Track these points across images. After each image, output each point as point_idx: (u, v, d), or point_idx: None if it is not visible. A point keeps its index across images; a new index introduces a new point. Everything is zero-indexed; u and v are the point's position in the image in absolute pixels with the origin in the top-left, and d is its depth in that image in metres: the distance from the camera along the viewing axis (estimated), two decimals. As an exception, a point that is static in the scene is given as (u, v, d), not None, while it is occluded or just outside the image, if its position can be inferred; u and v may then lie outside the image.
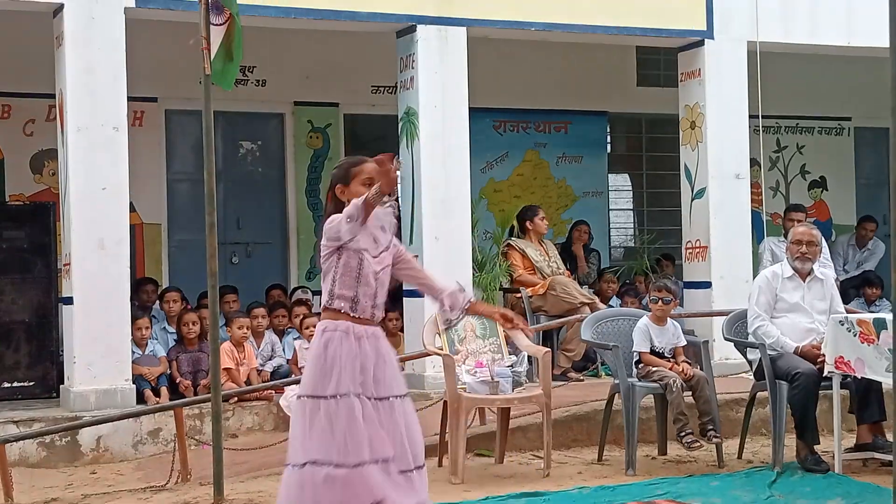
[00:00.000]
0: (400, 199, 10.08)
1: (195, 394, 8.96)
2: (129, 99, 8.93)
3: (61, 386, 9.00)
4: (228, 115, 11.40)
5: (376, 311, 4.51)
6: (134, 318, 9.08)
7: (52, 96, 9.10)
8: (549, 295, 9.83)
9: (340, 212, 4.52)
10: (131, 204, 9.35)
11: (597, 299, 10.05)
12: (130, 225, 9.19)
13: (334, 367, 4.39)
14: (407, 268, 4.75)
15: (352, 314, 4.48)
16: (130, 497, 6.70)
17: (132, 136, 9.10)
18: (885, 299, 11.63)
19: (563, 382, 9.11)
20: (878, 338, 6.28)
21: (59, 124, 8.94)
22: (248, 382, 9.17)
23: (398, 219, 4.79)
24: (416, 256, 4.90)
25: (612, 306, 10.29)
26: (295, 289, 11.41)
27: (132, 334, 8.98)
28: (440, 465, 7.06)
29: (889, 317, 6.32)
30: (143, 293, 10.22)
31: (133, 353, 9.00)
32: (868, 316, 6.74)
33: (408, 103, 9.65)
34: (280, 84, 11.63)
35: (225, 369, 8.82)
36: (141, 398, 8.85)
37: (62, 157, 8.85)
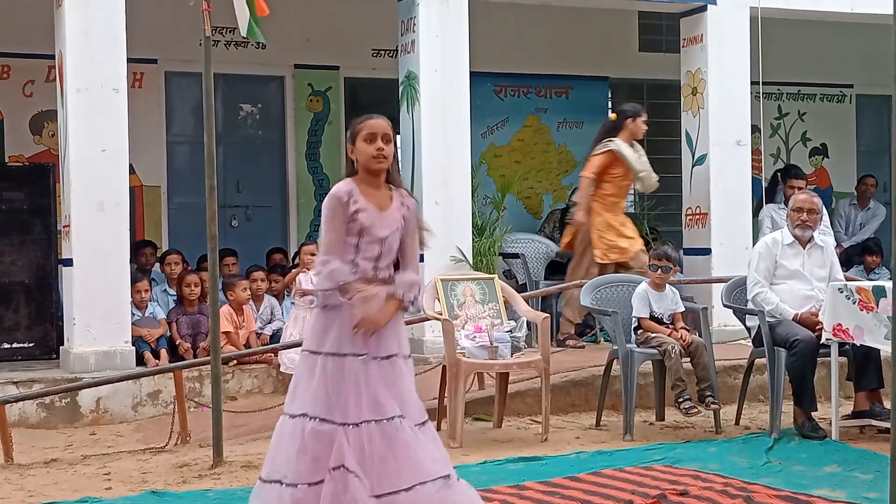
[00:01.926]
0: (400, 163, 10.06)
1: (195, 356, 8.99)
2: (129, 60, 8.90)
3: (61, 347, 9.02)
4: (228, 77, 11.36)
5: (379, 272, 4.45)
6: (133, 281, 9.09)
7: (52, 57, 9.07)
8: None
9: (351, 170, 4.50)
10: (131, 166, 9.33)
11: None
12: (130, 187, 9.17)
13: (333, 325, 4.38)
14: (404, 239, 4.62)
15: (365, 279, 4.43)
16: (130, 458, 6.73)
17: (132, 98, 9.08)
18: (884, 267, 11.63)
19: (561, 349, 9.13)
20: (878, 305, 6.29)
21: (58, 85, 8.91)
22: (247, 345, 9.19)
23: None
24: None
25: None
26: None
27: (132, 296, 8.99)
28: (438, 429, 7.07)
29: (888, 284, 6.34)
30: (141, 256, 10.22)
31: (133, 315, 9.01)
32: (867, 284, 6.74)
33: (408, 67, 9.62)
34: (280, 47, 11.56)
35: (224, 332, 8.83)
36: (140, 360, 8.88)
37: (62, 118, 8.83)
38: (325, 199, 4.47)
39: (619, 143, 9.33)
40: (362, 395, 4.31)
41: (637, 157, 9.44)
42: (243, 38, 11.16)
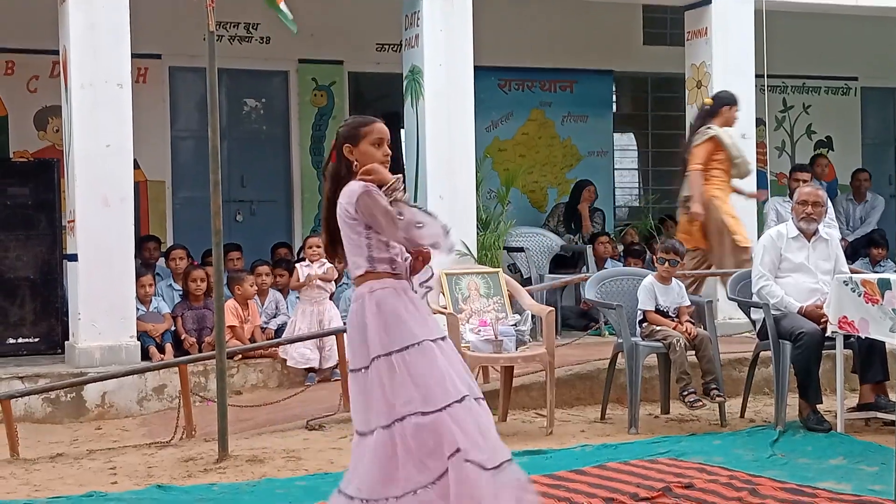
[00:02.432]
0: (405, 157, 10.07)
1: (200, 351, 9.00)
2: (133, 56, 8.91)
3: (66, 342, 9.04)
4: (233, 72, 11.37)
5: (408, 263, 4.45)
6: (137, 276, 9.10)
7: (56, 52, 9.07)
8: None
9: (345, 171, 4.46)
10: (135, 161, 9.34)
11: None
12: (134, 182, 9.18)
13: (400, 319, 4.33)
14: (371, 217, 4.57)
15: (393, 273, 4.39)
16: (135, 452, 6.74)
17: (136, 93, 9.09)
18: (890, 260, 11.63)
19: (567, 342, 9.12)
20: (883, 298, 6.27)
21: (62, 81, 8.91)
22: (252, 340, 9.20)
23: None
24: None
25: (608, 268, 10.28)
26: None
27: (136, 291, 9.00)
28: (443, 422, 7.08)
29: (894, 277, 6.33)
30: (145, 250, 10.23)
31: (137, 310, 9.02)
32: (872, 276, 6.73)
33: (412, 61, 9.61)
34: (284, 41, 11.55)
35: (230, 327, 8.84)
36: (146, 355, 8.89)
37: (66, 113, 8.84)
38: (357, 200, 4.30)
39: (717, 129, 9.06)
40: (444, 377, 4.29)
41: (733, 144, 9.19)
42: (247, 33, 11.22)
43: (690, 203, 8.93)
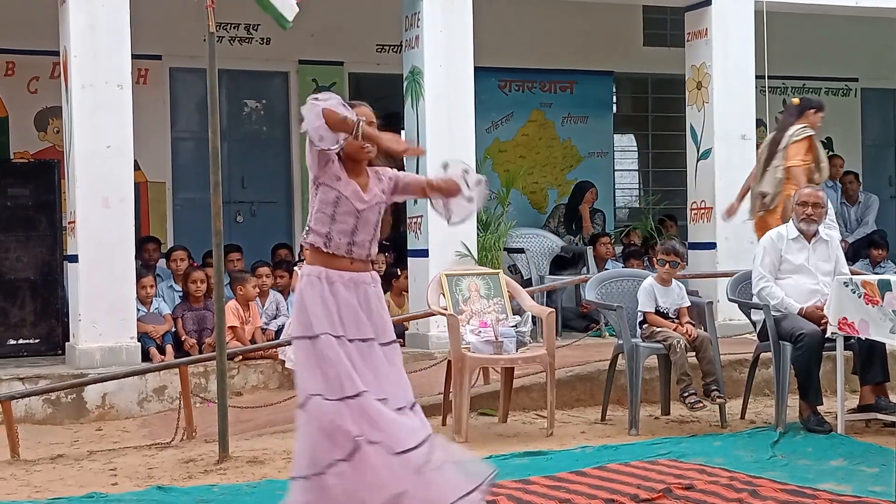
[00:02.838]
0: (405, 158, 10.05)
1: (200, 352, 9.00)
2: (134, 56, 8.91)
3: (66, 343, 9.04)
4: (233, 73, 11.38)
5: (355, 248, 4.42)
6: (138, 277, 9.10)
7: (57, 53, 9.08)
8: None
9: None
10: (136, 162, 9.34)
11: None
12: (135, 183, 9.19)
13: (311, 309, 4.39)
14: (407, 186, 4.62)
15: (325, 250, 4.41)
16: (136, 454, 6.74)
17: (136, 94, 9.09)
18: (890, 261, 11.63)
19: (567, 343, 9.12)
20: (883, 299, 6.27)
21: (63, 82, 8.92)
22: (252, 341, 9.20)
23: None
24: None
25: (608, 269, 10.28)
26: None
27: (137, 292, 9.00)
28: (444, 423, 7.09)
29: (894, 278, 6.32)
30: (145, 251, 10.23)
31: (138, 311, 9.02)
32: (872, 277, 6.73)
33: (413, 62, 9.62)
34: (285, 42, 11.57)
35: (230, 327, 8.85)
36: (146, 356, 8.89)
37: (66, 114, 8.84)
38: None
39: (812, 131, 8.89)
40: (344, 371, 4.38)
41: (820, 147, 9.04)
42: (247, 34, 11.20)
43: (770, 199, 8.72)
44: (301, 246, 10.37)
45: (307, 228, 4.47)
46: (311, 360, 4.36)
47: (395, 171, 4.61)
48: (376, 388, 4.32)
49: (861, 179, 13.13)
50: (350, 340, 4.36)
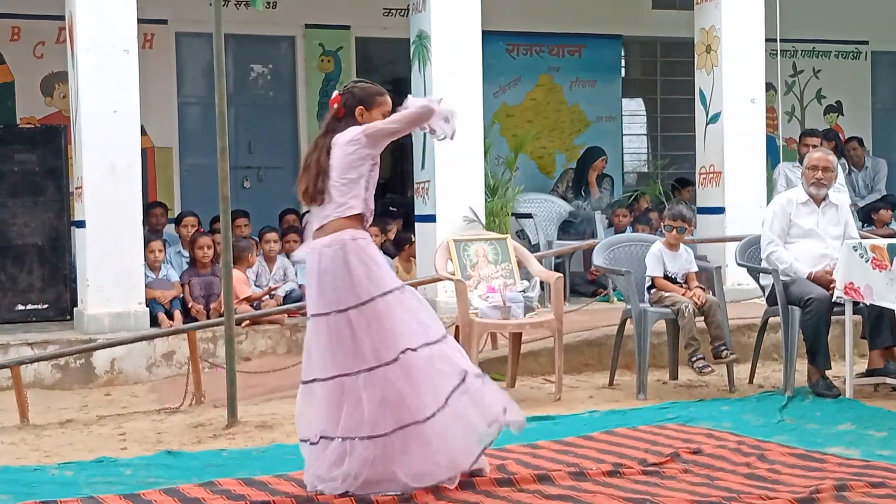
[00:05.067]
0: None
1: (207, 317, 9.01)
2: (139, 21, 8.86)
3: (75, 309, 9.06)
4: (239, 37, 11.32)
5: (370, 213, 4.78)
6: (147, 242, 9.10)
7: (62, 18, 9.04)
8: None
9: (344, 127, 4.66)
10: (142, 127, 9.32)
11: None
12: (142, 148, 9.17)
13: (384, 265, 4.73)
14: (380, 134, 4.71)
15: (367, 215, 4.71)
16: (145, 418, 6.76)
17: (142, 59, 9.05)
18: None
19: (575, 308, 9.12)
20: (892, 264, 6.25)
21: (69, 46, 8.88)
22: (256, 307, 9.20)
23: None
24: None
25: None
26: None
27: (145, 258, 9.01)
28: (452, 388, 7.09)
29: (904, 242, 6.30)
30: (152, 216, 10.22)
31: (147, 276, 9.03)
32: (882, 241, 6.70)
33: (420, 26, 9.56)
34: (291, 6, 11.52)
35: (245, 298, 8.95)
36: (154, 321, 8.90)
37: (73, 79, 8.81)
38: (362, 132, 4.60)
39: None
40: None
41: None
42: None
43: None
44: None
45: (364, 202, 4.65)
46: (402, 311, 4.63)
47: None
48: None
49: (871, 144, 13.07)
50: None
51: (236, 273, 9.17)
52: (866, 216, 11.50)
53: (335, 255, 4.58)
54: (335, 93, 4.80)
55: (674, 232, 7.20)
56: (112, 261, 8.62)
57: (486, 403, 4.63)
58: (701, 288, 7.14)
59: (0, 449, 5.99)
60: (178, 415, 6.84)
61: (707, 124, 10.31)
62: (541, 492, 4.67)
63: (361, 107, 4.64)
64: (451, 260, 7.20)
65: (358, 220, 4.64)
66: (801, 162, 8.75)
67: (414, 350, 4.54)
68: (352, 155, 4.58)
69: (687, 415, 6.32)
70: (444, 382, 4.54)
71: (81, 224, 8.76)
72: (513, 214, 10.26)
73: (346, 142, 4.59)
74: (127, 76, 8.67)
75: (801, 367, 6.96)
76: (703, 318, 7.01)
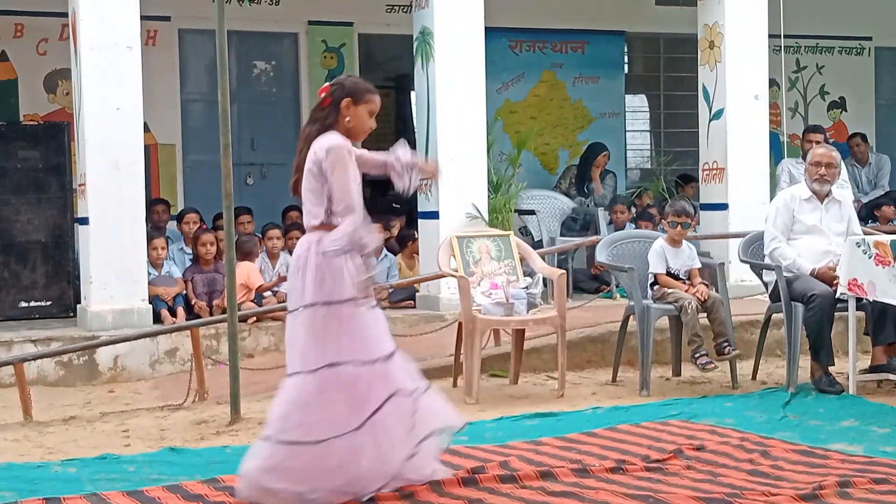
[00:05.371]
0: (415, 120, 10.03)
1: (210, 314, 9.01)
2: (142, 18, 8.87)
3: (78, 306, 9.06)
4: (242, 34, 11.32)
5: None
6: (150, 239, 9.10)
7: (66, 15, 9.04)
8: None
9: (332, 121, 4.57)
10: (145, 124, 9.32)
11: None
12: (145, 145, 9.17)
13: (341, 274, 4.52)
14: (364, 163, 4.73)
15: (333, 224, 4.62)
16: (148, 415, 6.77)
17: (146, 56, 9.06)
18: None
19: (578, 304, 9.12)
20: (895, 260, 6.24)
21: (72, 43, 8.89)
22: (258, 303, 9.21)
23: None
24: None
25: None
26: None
27: (148, 254, 9.01)
28: (455, 385, 7.10)
29: (907, 239, 6.29)
30: (154, 213, 10.23)
31: (150, 273, 9.03)
32: (885, 238, 6.69)
33: (423, 23, 9.55)
34: (294, 3, 11.52)
35: (258, 287, 9.08)
36: (158, 318, 8.91)
37: (76, 76, 8.81)
38: (329, 150, 4.47)
39: None
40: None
41: None
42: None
43: None
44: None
45: (326, 213, 4.55)
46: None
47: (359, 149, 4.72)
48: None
49: (874, 140, 13.06)
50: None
51: (249, 264, 9.22)
52: (870, 212, 11.49)
53: (299, 256, 4.60)
54: (325, 83, 4.76)
55: (677, 228, 7.19)
56: (115, 257, 8.62)
57: (418, 420, 4.48)
58: (704, 284, 7.13)
59: (3, 446, 5.99)
60: (181, 411, 6.84)
61: (710, 120, 10.30)
62: (544, 488, 4.66)
63: (349, 98, 4.56)
64: (454, 257, 7.20)
65: (324, 228, 4.55)
66: (804, 158, 8.75)
67: (337, 366, 4.40)
68: (314, 167, 4.51)
69: (690, 411, 6.32)
70: (360, 407, 4.38)
71: (85, 221, 8.77)
72: (516, 211, 10.26)
73: (316, 149, 4.51)
74: (130, 73, 8.68)
75: (805, 363, 6.96)
76: (706, 314, 7.01)
